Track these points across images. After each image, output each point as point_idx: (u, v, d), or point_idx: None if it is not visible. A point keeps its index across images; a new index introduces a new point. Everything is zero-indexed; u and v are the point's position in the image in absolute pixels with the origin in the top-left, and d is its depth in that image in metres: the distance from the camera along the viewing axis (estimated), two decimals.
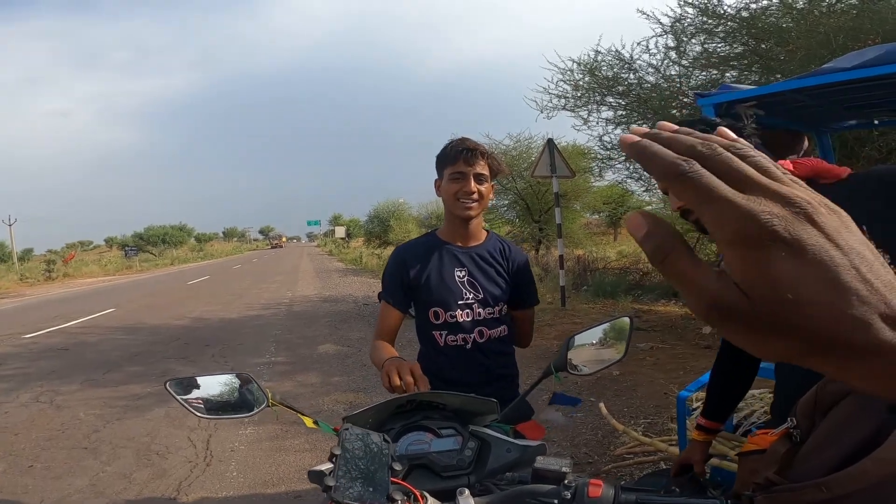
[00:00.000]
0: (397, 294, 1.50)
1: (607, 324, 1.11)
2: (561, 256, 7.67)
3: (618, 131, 6.75)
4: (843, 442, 0.63)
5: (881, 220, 0.76)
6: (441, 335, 1.48)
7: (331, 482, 0.74)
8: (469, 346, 1.47)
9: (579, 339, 1.10)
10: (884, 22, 3.56)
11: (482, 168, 1.44)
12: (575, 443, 3.12)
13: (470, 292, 1.47)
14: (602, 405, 2.75)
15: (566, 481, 0.78)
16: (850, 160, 3.86)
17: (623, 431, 2.34)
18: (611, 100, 6.55)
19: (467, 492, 0.78)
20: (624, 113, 6.54)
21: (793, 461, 0.69)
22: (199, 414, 1.05)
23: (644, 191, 7.82)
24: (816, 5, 4.53)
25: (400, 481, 0.81)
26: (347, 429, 0.88)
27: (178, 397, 1.05)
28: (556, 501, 0.77)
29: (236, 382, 1.09)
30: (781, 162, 0.89)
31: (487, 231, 1.58)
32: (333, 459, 0.81)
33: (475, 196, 1.43)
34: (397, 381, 1.15)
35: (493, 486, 0.89)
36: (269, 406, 1.06)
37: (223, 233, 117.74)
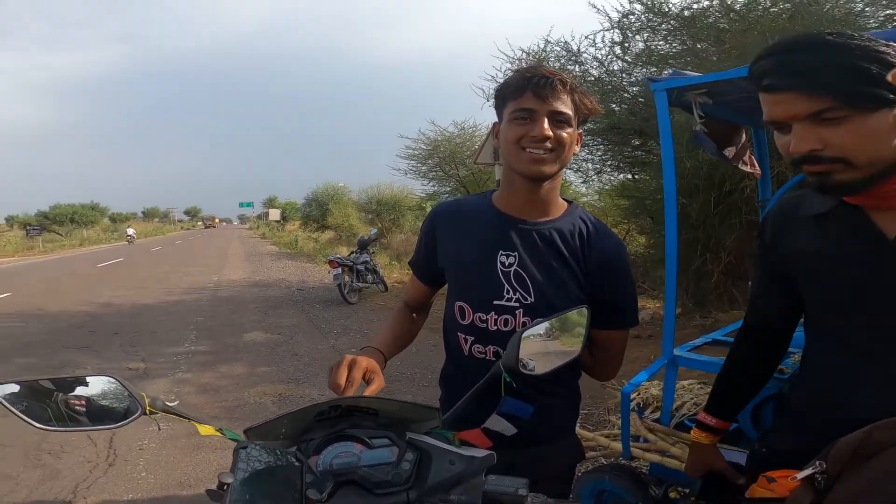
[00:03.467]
0: (422, 264, 1.14)
1: (561, 314, 0.96)
2: None
3: None
4: (890, 492, 0.57)
5: None
6: (466, 341, 1.06)
7: None
8: None
9: (530, 332, 0.94)
10: (818, 24, 3.72)
11: (563, 105, 0.96)
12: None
13: (516, 290, 1.01)
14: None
15: None
16: (779, 158, 4.06)
17: None
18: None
19: None
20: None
21: None
22: (44, 426, 0.80)
23: (581, 182, 8.00)
24: (753, 8, 4.72)
25: None
26: (245, 448, 0.70)
27: (13, 408, 0.79)
28: None
29: (102, 386, 0.85)
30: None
31: (568, 202, 1.09)
32: (224, 489, 0.63)
33: (549, 144, 0.95)
34: (334, 380, 0.92)
35: None
36: (145, 414, 0.83)
37: (143, 213, 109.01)
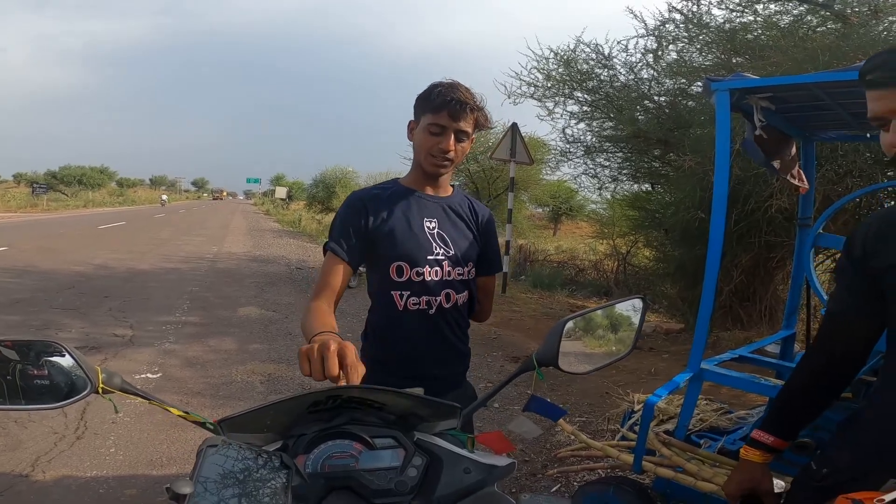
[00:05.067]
0: (351, 244, 1.23)
1: (612, 306, 0.87)
2: (508, 242, 7.55)
3: (581, 126, 6.79)
4: None
5: None
6: (402, 296, 1.25)
7: None
8: (433, 310, 1.26)
9: (574, 325, 0.84)
10: (869, 46, 3.57)
11: (467, 125, 1.22)
12: (510, 438, 2.87)
13: (440, 247, 1.27)
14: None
15: None
16: (824, 179, 3.93)
17: (571, 433, 2.09)
18: (579, 94, 6.51)
19: None
20: (589, 109, 6.55)
21: None
22: None
23: (597, 189, 7.82)
24: (800, 25, 4.54)
25: None
26: (215, 446, 0.56)
27: None
28: None
29: (48, 356, 0.70)
30: None
31: (453, 186, 1.38)
32: (181, 503, 0.49)
33: (451, 155, 1.23)
34: (307, 370, 0.79)
35: None
36: (95, 392, 0.69)
37: (150, 180, 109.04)
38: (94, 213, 25.82)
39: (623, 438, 2.03)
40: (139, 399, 0.72)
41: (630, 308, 0.87)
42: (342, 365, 0.78)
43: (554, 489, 2.39)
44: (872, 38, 3.79)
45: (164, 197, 50.82)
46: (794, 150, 2.05)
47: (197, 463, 0.54)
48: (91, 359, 0.72)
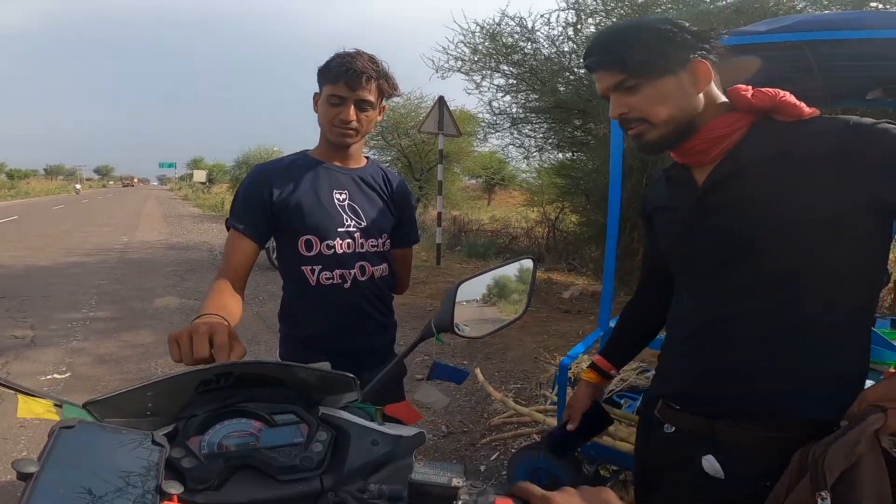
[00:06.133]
0: (255, 219, 1.18)
1: (503, 268, 0.87)
2: (439, 214, 7.57)
3: (507, 98, 6.91)
4: None
5: (844, 157, 0.75)
6: (313, 271, 1.21)
7: None
8: (348, 284, 1.23)
9: (466, 288, 0.84)
10: (765, 13, 3.85)
11: (368, 93, 1.18)
12: (448, 409, 2.93)
13: (351, 218, 1.24)
14: (478, 371, 2.56)
15: (459, 501, 0.56)
16: None
17: (500, 400, 2.17)
18: (505, 68, 6.58)
19: None
20: (514, 82, 6.66)
21: None
22: None
23: (523, 158, 8.01)
24: (701, 0, 4.84)
25: None
26: (70, 427, 0.50)
27: None
28: None
29: None
30: (739, 87, 0.84)
31: (367, 158, 1.35)
32: (26, 483, 0.42)
33: (354, 125, 1.20)
34: (198, 352, 0.75)
35: (352, 500, 0.59)
36: None
37: (45, 170, 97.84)
38: None
39: (553, 403, 2.12)
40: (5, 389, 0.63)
41: (520, 269, 0.88)
42: (213, 346, 0.75)
43: (493, 457, 2.46)
44: (763, 12, 4.11)
45: (78, 186, 50.60)
46: None
47: (49, 444, 0.47)
48: None
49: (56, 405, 0.61)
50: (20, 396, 0.62)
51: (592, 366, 1.19)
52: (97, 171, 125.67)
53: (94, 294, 5.69)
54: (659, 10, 5.24)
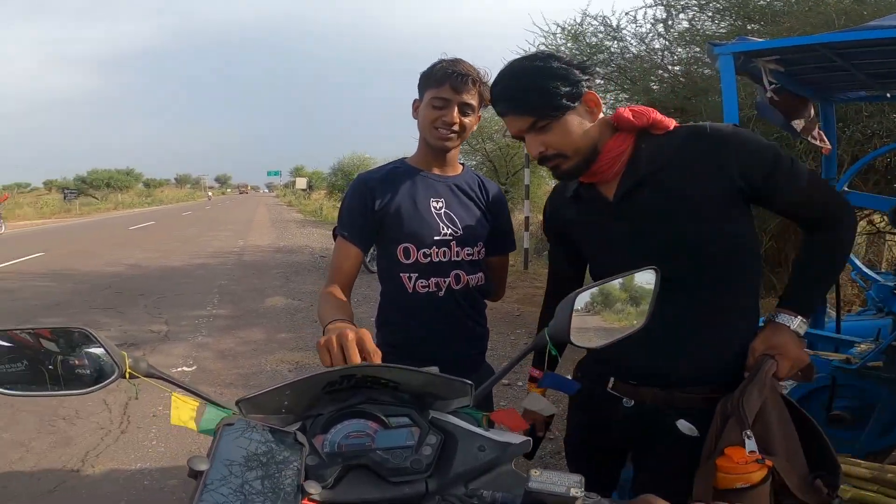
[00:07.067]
0: (360, 226, 1.25)
1: (623, 277, 0.83)
2: (527, 218, 7.49)
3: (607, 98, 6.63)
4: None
5: (689, 168, 0.95)
6: (410, 278, 1.24)
7: None
8: (442, 292, 1.25)
9: (584, 298, 0.81)
10: (883, 9, 3.38)
11: (471, 97, 1.22)
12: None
13: (448, 227, 1.25)
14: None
15: None
16: (848, 141, 3.79)
17: None
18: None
19: None
20: (602, 82, 6.40)
21: None
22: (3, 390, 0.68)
23: None
24: None
25: None
26: (231, 424, 0.57)
27: None
28: None
29: (80, 343, 0.71)
30: (620, 110, 0.99)
31: (463, 165, 1.37)
32: (197, 479, 0.48)
33: (456, 128, 1.22)
34: (328, 362, 0.79)
35: None
36: (122, 377, 0.69)
37: (175, 179, 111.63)
38: (123, 215, 26.63)
39: None
40: (164, 384, 0.72)
41: (643, 279, 0.84)
42: (362, 352, 0.78)
43: None
44: (889, 1, 3.60)
45: (210, 194, 57.91)
46: (812, 111, 2.00)
47: (215, 440, 0.54)
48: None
49: (203, 402, 0.71)
50: (174, 401, 0.71)
51: (533, 379, 1.25)
52: (217, 179, 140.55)
53: (216, 293, 6.37)
54: (763, 2, 4.76)
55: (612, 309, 0.86)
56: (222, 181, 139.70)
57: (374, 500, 0.62)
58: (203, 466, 0.47)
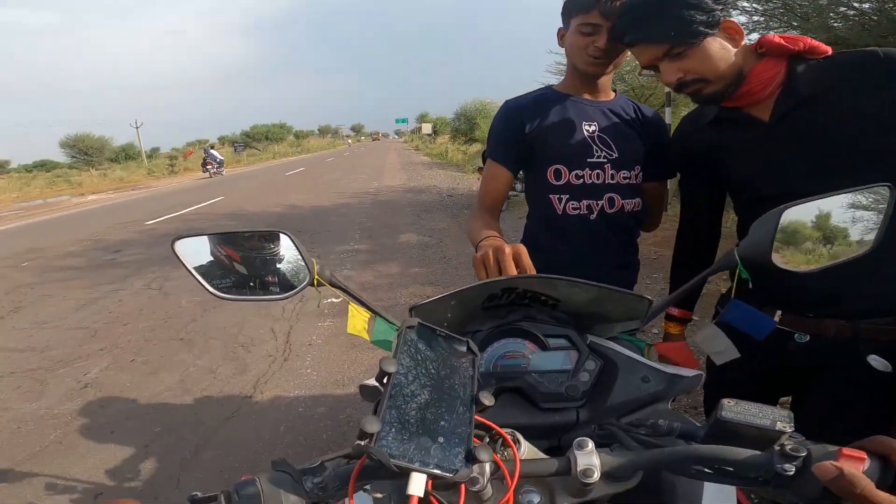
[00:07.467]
0: (508, 150, 1.23)
1: (846, 194, 0.68)
2: None
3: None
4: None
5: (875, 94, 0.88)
6: (560, 200, 1.20)
7: (373, 427, 0.40)
8: (594, 215, 1.19)
9: (794, 213, 0.67)
10: None
11: None
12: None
13: (601, 150, 1.19)
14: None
15: (786, 447, 0.45)
16: None
17: None
18: (745, 4, 5.15)
19: (591, 445, 0.47)
20: (762, 19, 5.19)
21: None
22: (216, 293, 0.77)
23: None
24: None
25: (484, 420, 0.50)
26: (413, 327, 0.52)
27: (191, 267, 0.76)
28: (763, 479, 0.44)
29: (272, 244, 0.78)
30: (770, 36, 0.94)
31: (615, 91, 1.29)
32: (384, 381, 0.46)
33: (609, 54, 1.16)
34: (485, 277, 0.77)
35: (625, 436, 0.54)
36: (311, 285, 0.75)
37: (318, 130, 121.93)
38: (280, 163, 30.17)
39: None
40: (340, 293, 0.77)
41: (871, 197, 0.69)
42: (518, 267, 0.76)
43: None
44: None
45: (350, 141, 65.86)
46: None
47: (397, 342, 0.52)
48: None
49: (372, 315, 0.76)
50: (350, 311, 0.77)
51: (670, 317, 1.22)
52: (352, 128, 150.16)
53: (357, 230, 6.99)
54: None
55: (823, 230, 0.72)
56: (357, 130, 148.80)
57: (522, 426, 0.55)
58: (392, 368, 0.46)
